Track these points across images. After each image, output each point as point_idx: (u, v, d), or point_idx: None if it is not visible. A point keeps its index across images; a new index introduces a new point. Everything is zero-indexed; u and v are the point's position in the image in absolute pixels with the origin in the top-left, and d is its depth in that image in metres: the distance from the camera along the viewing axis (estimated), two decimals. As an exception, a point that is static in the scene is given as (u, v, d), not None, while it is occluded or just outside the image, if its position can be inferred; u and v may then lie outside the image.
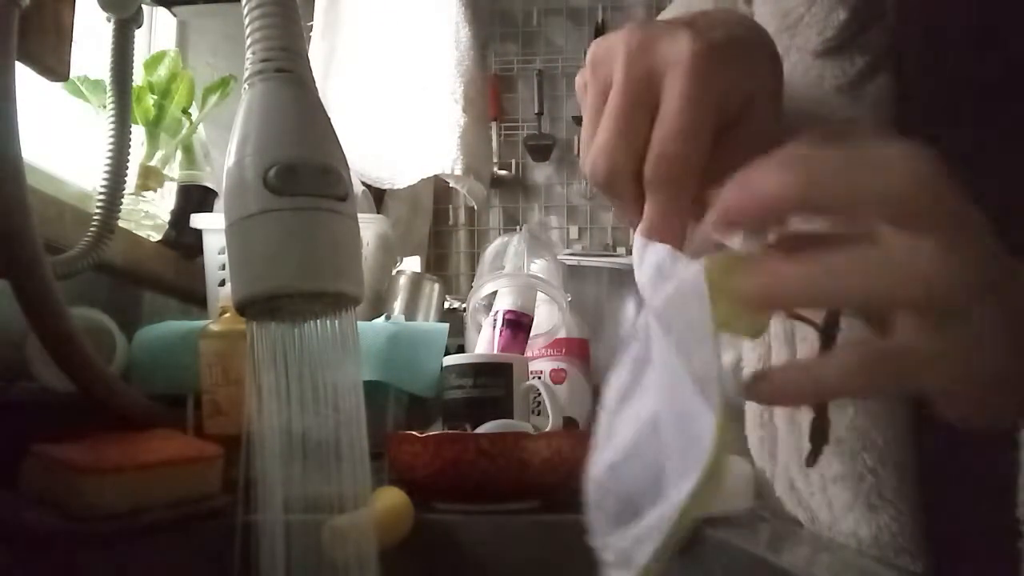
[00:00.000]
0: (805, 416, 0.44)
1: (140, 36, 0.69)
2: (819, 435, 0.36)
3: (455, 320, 0.92)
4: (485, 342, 0.79)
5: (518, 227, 2.01)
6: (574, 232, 2.08)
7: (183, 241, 0.92)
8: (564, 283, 0.85)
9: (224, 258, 0.85)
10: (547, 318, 0.82)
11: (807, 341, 0.44)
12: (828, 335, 0.31)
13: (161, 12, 1.23)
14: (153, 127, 0.94)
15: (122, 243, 0.81)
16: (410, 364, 0.72)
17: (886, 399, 0.42)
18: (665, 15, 0.37)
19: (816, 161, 0.26)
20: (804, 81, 0.45)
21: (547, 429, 0.63)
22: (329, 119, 0.39)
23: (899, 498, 0.41)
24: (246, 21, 0.38)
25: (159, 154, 0.94)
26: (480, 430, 0.61)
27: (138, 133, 0.90)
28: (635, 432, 0.34)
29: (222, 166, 0.38)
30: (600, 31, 2.15)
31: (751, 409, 0.54)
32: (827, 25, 0.44)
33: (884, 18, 0.43)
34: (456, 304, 1.13)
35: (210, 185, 0.96)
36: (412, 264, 1.09)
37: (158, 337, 0.75)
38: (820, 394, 0.31)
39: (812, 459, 0.37)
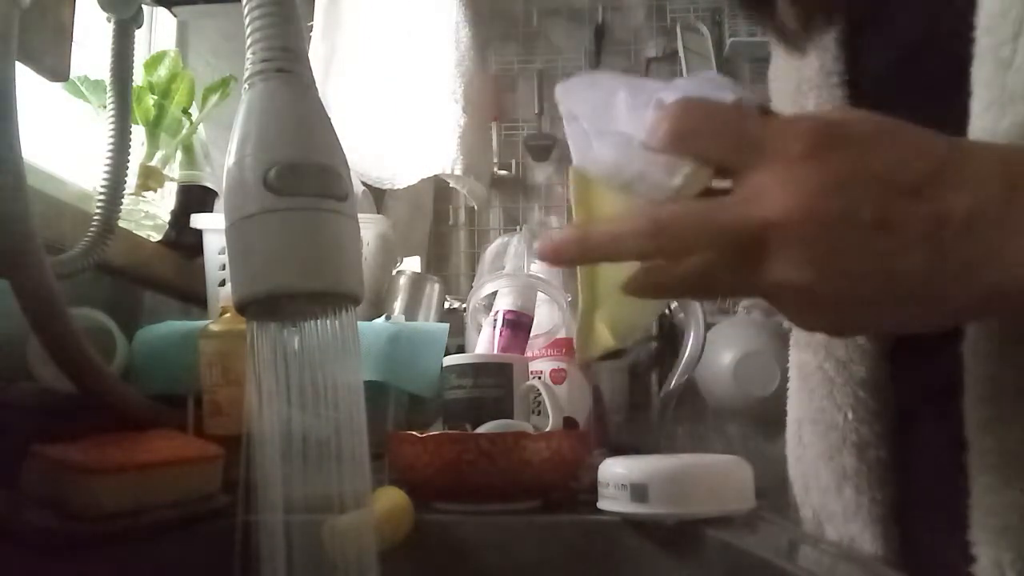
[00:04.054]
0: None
1: (140, 36, 0.69)
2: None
3: (455, 320, 0.92)
4: (485, 342, 0.79)
5: (518, 227, 2.00)
6: (574, 232, 2.07)
7: (183, 241, 0.91)
8: (564, 283, 0.85)
9: (224, 258, 0.85)
10: (547, 318, 0.82)
11: None
12: None
13: (161, 12, 1.23)
14: (153, 127, 0.94)
15: (122, 243, 0.81)
16: (410, 364, 0.72)
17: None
18: None
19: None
20: None
21: (547, 429, 0.63)
22: (329, 119, 0.39)
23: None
24: (246, 21, 0.38)
25: (159, 154, 0.94)
26: (480, 430, 0.61)
27: (138, 133, 0.89)
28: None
29: (222, 166, 0.37)
30: (600, 31, 2.15)
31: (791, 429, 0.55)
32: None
33: None
34: (456, 304, 1.13)
35: (210, 185, 0.95)
36: (412, 264, 1.09)
37: (158, 337, 0.74)
38: (588, 255, 0.34)
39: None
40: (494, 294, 0.81)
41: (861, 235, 0.28)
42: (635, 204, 0.33)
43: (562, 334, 0.82)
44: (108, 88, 0.66)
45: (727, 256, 0.31)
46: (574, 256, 0.34)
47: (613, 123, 0.34)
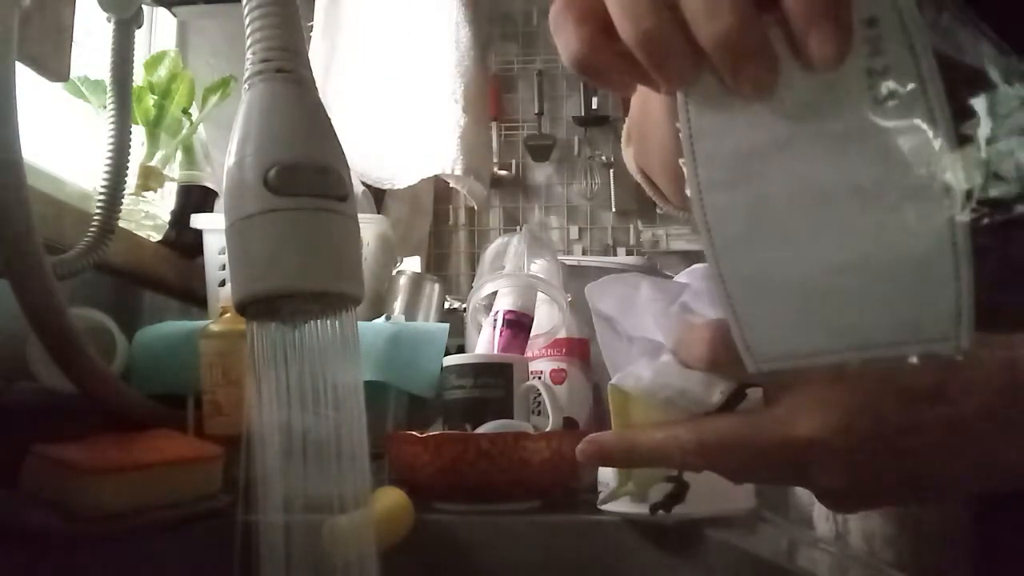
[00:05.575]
0: None
1: (140, 36, 0.69)
2: (675, 497, 0.42)
3: (455, 320, 0.92)
4: (485, 342, 0.79)
5: (518, 227, 2.00)
6: (574, 232, 2.07)
7: (183, 241, 0.91)
8: (564, 283, 0.85)
9: (224, 258, 0.85)
10: (547, 318, 0.82)
11: None
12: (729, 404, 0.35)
13: (161, 12, 1.23)
14: (153, 127, 0.94)
15: (122, 243, 0.81)
16: (410, 364, 0.72)
17: None
18: None
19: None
20: None
21: (547, 429, 0.63)
22: (329, 119, 0.39)
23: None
24: (246, 21, 0.38)
25: (159, 154, 0.94)
26: (480, 430, 0.61)
27: (138, 133, 0.89)
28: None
29: (222, 166, 0.37)
30: (600, 31, 2.15)
31: None
32: None
33: None
34: (456, 304, 1.13)
35: (210, 185, 0.95)
36: (412, 264, 1.09)
37: (158, 337, 0.74)
38: (634, 462, 0.36)
39: (656, 509, 0.43)
40: (494, 294, 0.81)
41: (888, 444, 0.31)
42: (672, 415, 0.35)
43: (562, 334, 0.82)
44: (108, 88, 0.66)
45: (766, 465, 0.34)
46: (619, 461, 0.37)
47: (640, 323, 0.37)
